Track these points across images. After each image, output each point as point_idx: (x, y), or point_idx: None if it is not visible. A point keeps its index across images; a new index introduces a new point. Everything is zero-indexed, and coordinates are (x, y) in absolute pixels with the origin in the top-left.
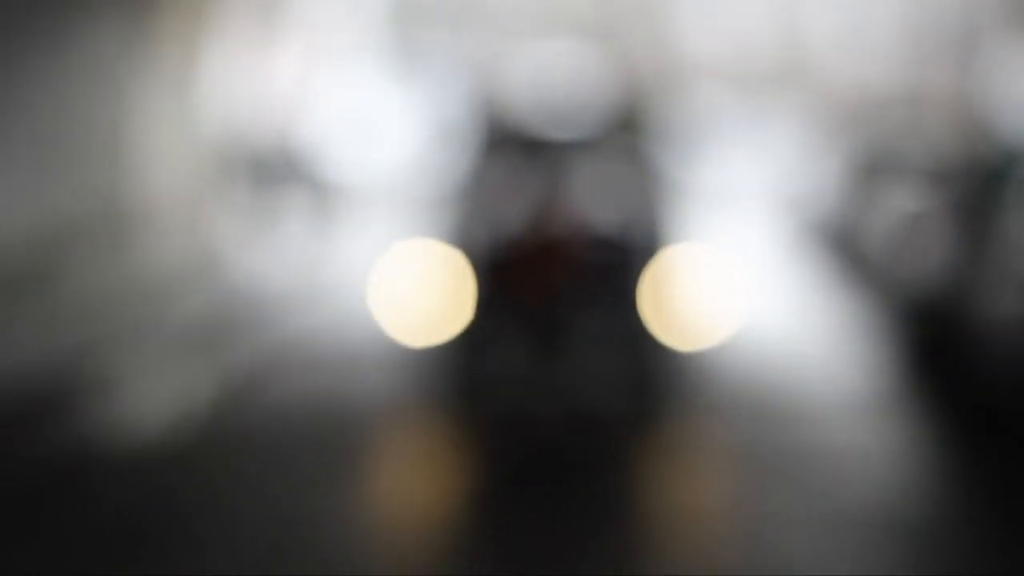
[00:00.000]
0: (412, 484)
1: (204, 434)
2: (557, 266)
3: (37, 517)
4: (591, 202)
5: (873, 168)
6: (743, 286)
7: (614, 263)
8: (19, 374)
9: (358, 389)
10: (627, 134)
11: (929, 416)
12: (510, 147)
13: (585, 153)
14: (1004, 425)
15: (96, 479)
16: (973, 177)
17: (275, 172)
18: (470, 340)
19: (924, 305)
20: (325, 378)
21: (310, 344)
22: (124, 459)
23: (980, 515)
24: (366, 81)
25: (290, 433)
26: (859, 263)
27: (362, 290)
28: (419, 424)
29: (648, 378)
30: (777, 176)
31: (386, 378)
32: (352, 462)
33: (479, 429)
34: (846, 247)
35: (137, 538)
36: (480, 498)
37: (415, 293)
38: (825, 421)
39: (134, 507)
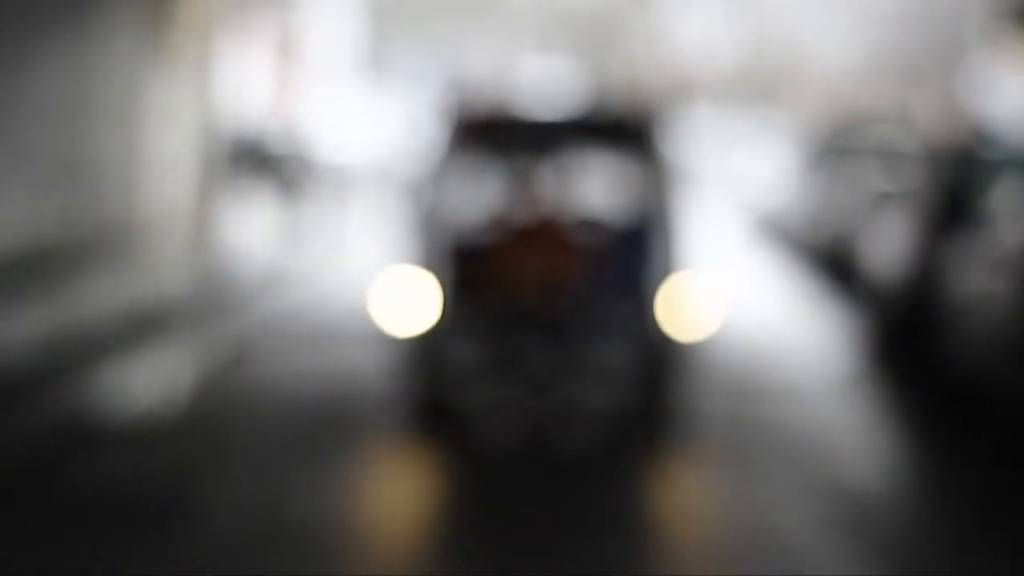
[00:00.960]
0: (399, 475)
1: (192, 412)
2: (546, 249)
3: (27, 494)
4: (579, 187)
5: (848, 153)
6: (728, 276)
7: (606, 248)
8: (16, 354)
9: (343, 370)
10: (617, 125)
11: (900, 397)
12: (492, 130)
13: (572, 138)
14: (976, 406)
15: (87, 455)
16: (948, 161)
17: (258, 160)
18: (454, 327)
19: (898, 289)
20: (309, 358)
21: (295, 324)
22: (115, 436)
23: (953, 500)
24: (348, 71)
25: (277, 413)
26: (838, 250)
27: (343, 273)
28: (405, 411)
29: (648, 366)
30: (755, 168)
31: (370, 360)
32: (333, 445)
33: (468, 420)
34: (824, 235)
35: (124, 515)
36: (464, 493)
37: (394, 309)
38: (803, 404)
39: (120, 485)
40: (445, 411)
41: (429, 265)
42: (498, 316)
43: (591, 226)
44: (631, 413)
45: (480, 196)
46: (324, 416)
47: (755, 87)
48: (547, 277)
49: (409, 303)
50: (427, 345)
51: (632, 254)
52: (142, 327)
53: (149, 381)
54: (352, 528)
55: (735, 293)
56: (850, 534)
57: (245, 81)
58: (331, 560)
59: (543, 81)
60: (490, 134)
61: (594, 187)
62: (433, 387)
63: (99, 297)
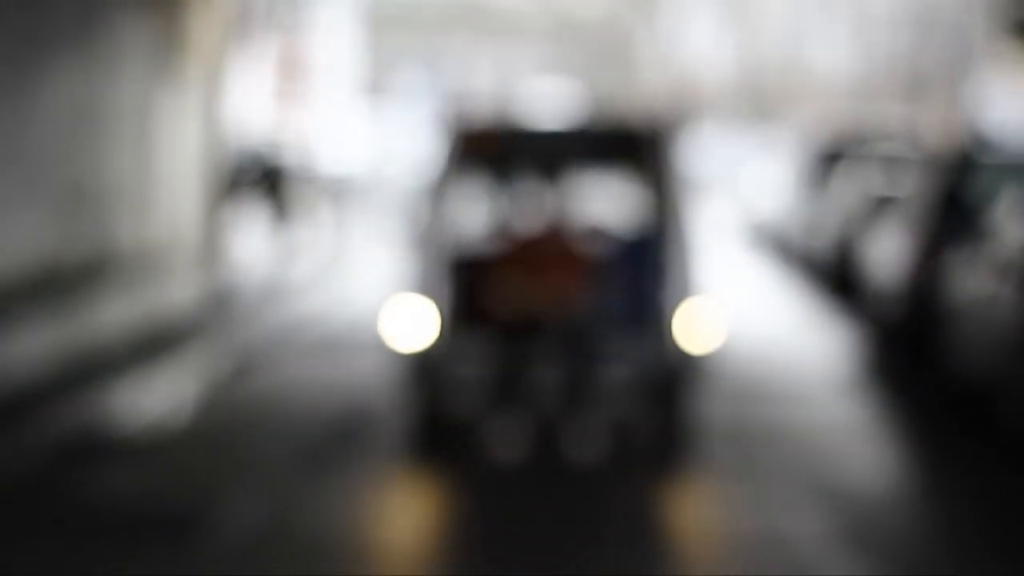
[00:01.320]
0: (399, 490)
1: (201, 423)
2: (553, 264)
3: (40, 505)
4: (586, 201)
5: (850, 161)
6: (734, 286)
7: (614, 262)
8: (31, 370)
9: (347, 382)
10: (625, 138)
11: (902, 403)
12: (497, 144)
13: (578, 152)
14: (978, 411)
15: (99, 467)
16: (950, 167)
17: (262, 175)
18: (459, 343)
19: (900, 295)
20: (314, 370)
21: (299, 336)
22: (128, 448)
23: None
24: (350, 87)
25: (283, 423)
26: (840, 257)
27: (345, 286)
28: (409, 425)
29: (659, 381)
30: (759, 178)
31: (374, 372)
32: (337, 453)
33: (472, 436)
34: (827, 242)
35: (132, 525)
36: (470, 509)
37: (399, 325)
38: (809, 409)
39: (131, 496)
40: (449, 427)
41: (433, 281)
42: (504, 331)
43: (599, 240)
44: (641, 427)
45: (485, 211)
46: (329, 427)
47: (759, 99)
48: (554, 292)
49: (414, 319)
50: (432, 361)
51: (641, 267)
52: (152, 341)
53: (159, 394)
54: (355, 535)
55: (741, 302)
56: (853, 538)
57: (249, 98)
58: (334, 563)
59: (548, 95)
60: (494, 148)
61: (602, 201)
62: (437, 403)
63: (110, 312)
